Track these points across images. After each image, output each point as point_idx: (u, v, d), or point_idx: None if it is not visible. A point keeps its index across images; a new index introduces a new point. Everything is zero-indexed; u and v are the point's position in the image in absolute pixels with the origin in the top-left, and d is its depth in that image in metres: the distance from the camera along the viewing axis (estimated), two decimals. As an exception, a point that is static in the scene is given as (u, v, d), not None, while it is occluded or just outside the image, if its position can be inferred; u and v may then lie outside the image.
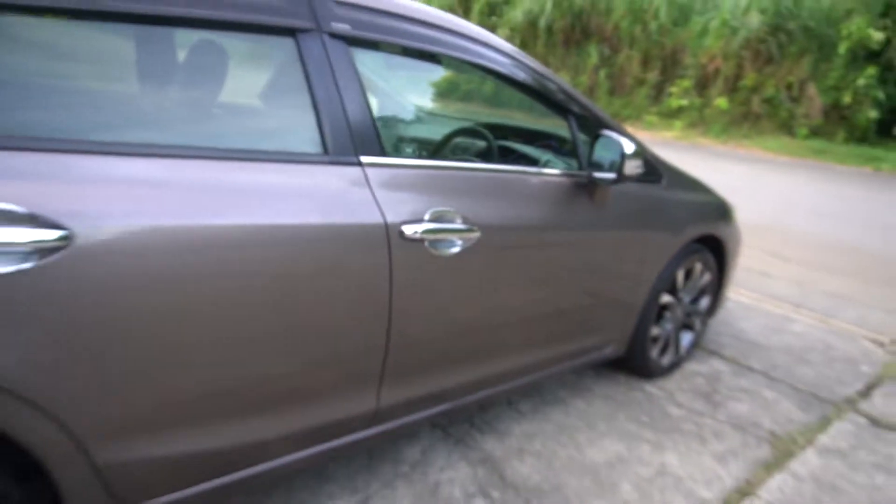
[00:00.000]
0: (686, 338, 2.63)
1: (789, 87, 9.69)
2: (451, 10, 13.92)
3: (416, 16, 1.58)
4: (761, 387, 2.56)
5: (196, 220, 1.14)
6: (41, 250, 0.98)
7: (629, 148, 1.77)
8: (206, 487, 1.32)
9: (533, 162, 2.10)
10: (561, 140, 2.24)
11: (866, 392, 2.60)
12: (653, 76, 11.04)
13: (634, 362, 2.43)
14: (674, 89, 10.72)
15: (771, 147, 9.50)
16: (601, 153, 1.84)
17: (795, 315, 3.41)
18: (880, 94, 9.10)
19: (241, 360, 1.26)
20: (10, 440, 1.03)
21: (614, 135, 1.81)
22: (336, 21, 1.39)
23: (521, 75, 1.82)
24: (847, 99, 9.24)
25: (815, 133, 9.59)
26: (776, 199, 6.71)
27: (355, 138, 1.39)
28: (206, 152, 1.20)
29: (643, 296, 2.25)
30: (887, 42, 9.23)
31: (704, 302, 2.65)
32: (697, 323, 2.67)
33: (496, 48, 1.77)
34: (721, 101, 10.19)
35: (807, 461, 2.06)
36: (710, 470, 1.97)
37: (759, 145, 9.67)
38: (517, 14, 12.11)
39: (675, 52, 10.89)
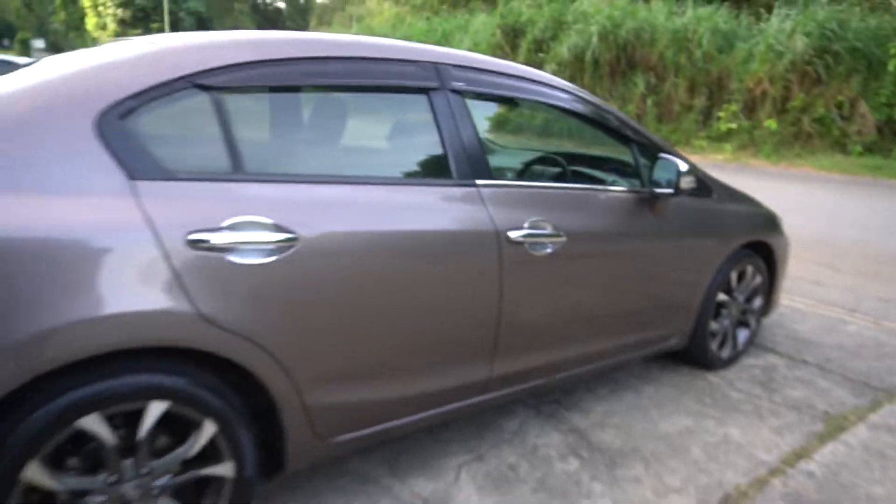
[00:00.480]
0: (742, 334, 2.95)
1: (839, 105, 9.79)
2: (499, 48, 14.61)
3: (511, 71, 2.06)
4: (815, 377, 2.84)
5: (374, 227, 1.61)
6: (280, 248, 1.46)
7: (683, 167, 2.18)
8: (372, 430, 1.76)
9: (600, 182, 2.52)
10: (621, 163, 2.65)
11: (917, 382, 2.85)
12: (699, 102, 11.30)
13: (696, 354, 2.77)
14: (721, 114, 10.95)
15: (824, 165, 9.58)
16: (660, 173, 2.24)
17: (848, 318, 3.65)
18: (935, 110, 9.14)
19: (402, 332, 1.71)
20: (257, 383, 1.49)
21: (671, 157, 2.22)
22: (455, 81, 1.87)
23: (590, 113, 2.27)
24: (898, 116, 9.30)
25: (869, 150, 9.63)
26: (828, 215, 6.85)
27: (471, 166, 1.85)
28: (377, 180, 1.68)
29: (700, 294, 2.61)
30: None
31: (757, 302, 2.97)
32: (752, 321, 2.99)
33: (571, 92, 2.23)
34: (771, 123, 10.36)
35: (857, 434, 2.35)
36: (768, 439, 2.29)
37: (811, 164, 9.76)
38: (563, 49, 12.64)
39: (720, 77, 11.15)
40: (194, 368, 1.41)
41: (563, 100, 2.21)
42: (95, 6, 43.56)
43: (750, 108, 10.77)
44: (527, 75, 2.13)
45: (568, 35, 12.81)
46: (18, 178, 1.23)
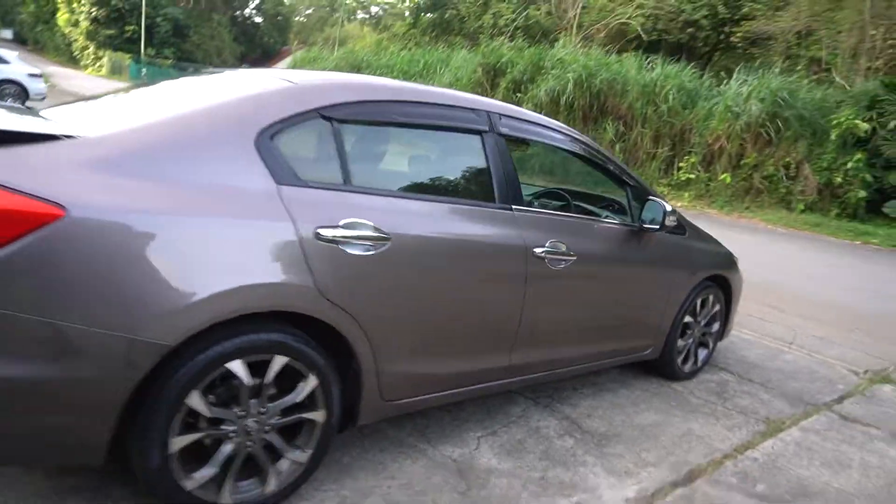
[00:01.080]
0: (702, 353, 3.50)
1: (787, 166, 10.78)
2: (479, 84, 15.34)
3: (541, 121, 2.58)
4: (759, 391, 3.40)
5: (441, 233, 2.08)
6: (376, 245, 1.90)
7: (669, 208, 2.72)
8: (422, 398, 2.20)
9: (596, 215, 3.04)
10: (611, 200, 3.18)
11: (840, 400, 3.44)
12: (663, 151, 12.18)
13: (664, 366, 3.29)
14: (682, 164, 11.84)
15: (771, 219, 10.49)
16: (648, 212, 2.78)
17: (787, 349, 4.26)
18: (868, 176, 10.17)
19: (453, 319, 2.17)
20: (349, 349, 1.92)
21: (658, 199, 2.76)
22: (501, 126, 2.37)
23: (597, 159, 2.81)
24: (838, 179, 10.30)
25: (810, 208, 10.60)
26: (774, 264, 7.61)
27: (509, 193, 2.34)
28: (443, 198, 2.16)
29: (672, 314, 3.15)
30: (874, 131, 10.38)
31: (715, 326, 3.54)
32: (710, 342, 3.54)
33: (585, 143, 2.76)
34: (725, 177, 11.28)
35: (791, 434, 2.90)
36: (722, 434, 2.81)
37: (759, 217, 10.67)
38: (541, 92, 13.44)
39: (683, 131, 12.08)
40: (305, 333, 1.83)
41: (579, 147, 2.74)
42: (69, 2, 42.93)
43: (708, 161, 11.69)
44: (552, 125, 2.65)
45: (545, 79, 13.62)
46: (201, 177, 1.66)
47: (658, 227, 2.73)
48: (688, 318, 3.29)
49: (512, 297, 2.33)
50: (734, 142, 11.18)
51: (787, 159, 10.77)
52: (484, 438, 2.49)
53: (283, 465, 1.87)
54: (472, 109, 2.32)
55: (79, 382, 1.48)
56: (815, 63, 16.82)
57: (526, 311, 2.39)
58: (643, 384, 3.30)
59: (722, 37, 22.22)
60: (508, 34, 21.54)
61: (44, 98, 14.50)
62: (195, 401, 1.64)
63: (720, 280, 3.44)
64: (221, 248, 1.63)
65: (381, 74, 18.51)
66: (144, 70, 37.47)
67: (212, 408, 1.69)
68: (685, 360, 3.38)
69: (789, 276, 6.89)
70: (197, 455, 1.71)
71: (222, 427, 1.72)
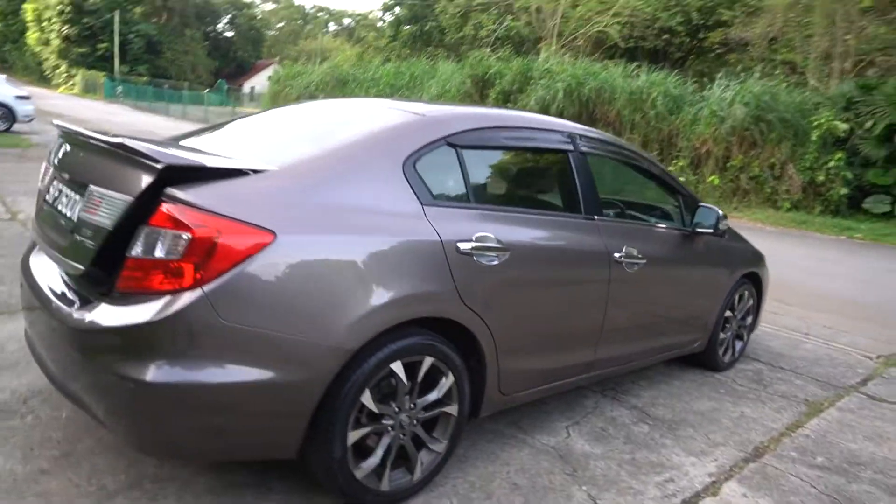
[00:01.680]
0: (738, 344, 3.82)
1: (772, 167, 11.29)
2: (468, 95, 15.69)
3: (611, 140, 2.88)
4: (791, 378, 3.73)
5: (546, 243, 2.35)
6: (500, 256, 2.16)
7: (721, 213, 3.04)
8: (528, 392, 2.46)
9: (648, 221, 3.34)
10: (659, 208, 3.49)
11: (864, 383, 3.78)
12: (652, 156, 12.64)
13: (708, 357, 3.59)
14: (671, 168, 12.29)
15: (759, 218, 10.98)
16: (701, 217, 3.09)
17: (804, 339, 4.61)
18: (848, 174, 10.72)
19: (556, 318, 2.44)
20: (477, 349, 2.17)
21: (711, 206, 3.08)
22: (582, 146, 2.66)
23: (657, 173, 3.11)
24: (821, 178, 10.84)
25: (795, 206, 11.12)
26: (771, 260, 8.02)
27: (591, 205, 2.63)
28: (544, 211, 2.45)
29: (717, 310, 3.46)
30: (851, 131, 10.95)
31: (749, 319, 3.86)
32: (745, 334, 3.87)
33: (648, 159, 3.06)
34: (713, 178, 11.76)
35: (831, 414, 3.22)
36: (772, 416, 3.12)
37: (748, 217, 11.14)
38: (531, 101, 13.82)
39: (670, 135, 12.55)
40: (442, 336, 2.08)
41: (642, 162, 3.05)
42: (39, 20, 42.39)
43: (696, 164, 12.16)
44: (619, 143, 2.96)
45: (535, 89, 14.01)
46: (365, 201, 1.91)
47: (712, 230, 3.04)
48: (728, 313, 3.61)
49: (598, 298, 2.61)
50: (720, 145, 11.65)
51: (772, 160, 11.28)
52: (571, 427, 2.76)
53: (425, 455, 2.11)
54: (559, 131, 2.61)
55: (288, 386, 1.72)
56: (787, 66, 17.54)
57: (608, 310, 2.67)
58: (690, 375, 3.59)
59: (696, 42, 22.97)
60: (489, 45, 22.00)
61: (31, 120, 14.43)
62: (367, 398, 1.88)
63: (753, 276, 3.77)
64: (388, 263, 1.88)
65: (368, 87, 18.78)
66: (120, 88, 37.16)
67: (378, 405, 1.93)
68: (725, 352, 3.69)
69: (786, 271, 7.28)
70: (357, 449, 1.94)
71: (383, 422, 1.96)
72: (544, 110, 13.66)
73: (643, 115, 12.74)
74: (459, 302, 2.05)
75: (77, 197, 1.87)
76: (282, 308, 1.68)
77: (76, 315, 1.71)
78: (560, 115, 13.42)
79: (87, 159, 1.84)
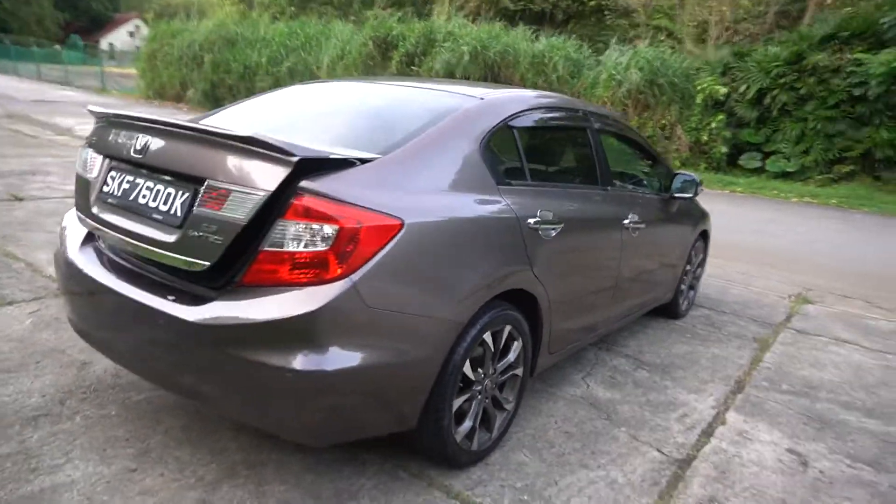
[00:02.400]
0: (691, 294, 4.33)
1: (663, 128, 12.29)
2: (370, 58, 15.41)
3: (614, 116, 3.14)
4: (735, 319, 4.31)
5: (582, 214, 2.59)
6: (555, 229, 2.37)
7: (699, 179, 3.43)
8: (567, 349, 2.72)
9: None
10: (632, 175, 3.84)
11: (788, 319, 4.44)
12: (554, 118, 13.24)
13: (673, 307, 4.05)
14: (574, 130, 12.97)
15: (653, 175, 12.02)
16: (678, 184, 3.47)
17: (729, 285, 5.27)
18: (727, 134, 11.95)
19: (590, 279, 2.70)
20: (537, 314, 2.37)
21: (689, 173, 3.46)
22: (595, 123, 2.90)
23: (644, 146, 3.43)
24: (705, 138, 11.98)
25: (684, 164, 12.23)
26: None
27: (605, 177, 2.89)
28: (577, 185, 2.67)
29: (682, 264, 3.91)
30: (728, 94, 12.15)
31: (699, 271, 4.38)
32: (696, 284, 4.39)
33: (634, 131, 3.36)
34: (612, 139, 12.61)
35: (777, 349, 3.80)
36: (736, 353, 3.63)
37: (643, 174, 12.15)
38: (436, 64, 13.88)
39: (573, 97, 13.20)
40: (514, 305, 2.27)
41: (630, 133, 3.34)
42: None
43: (595, 126, 12.94)
44: (614, 117, 3.23)
45: (439, 51, 14.06)
46: (459, 185, 2.02)
47: (692, 195, 3.43)
48: (687, 266, 4.08)
49: (614, 260, 2.90)
50: (618, 106, 12.46)
51: (664, 121, 12.26)
52: (586, 378, 3.07)
53: (499, 415, 2.31)
54: (579, 109, 2.84)
55: (419, 362, 1.83)
56: (663, 31, 18.86)
57: (620, 271, 2.97)
58: (657, 324, 4.05)
59: (578, 6, 23.93)
60: (381, 5, 21.56)
61: None
62: (467, 368, 2.04)
63: (703, 232, 4.26)
64: (485, 241, 2.03)
65: (260, 48, 17.81)
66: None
67: (473, 372, 2.09)
68: (683, 301, 4.18)
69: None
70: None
71: (474, 388, 2.13)
72: (450, 74, 13.81)
73: (546, 79, 13.25)
74: (531, 273, 2.23)
75: (174, 191, 1.82)
76: (412, 290, 1.79)
77: (199, 311, 1.70)
78: (466, 78, 13.63)
79: (191, 152, 1.78)
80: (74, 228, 2.27)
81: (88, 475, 1.97)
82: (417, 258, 1.80)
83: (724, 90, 11.96)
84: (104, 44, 46.79)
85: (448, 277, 1.89)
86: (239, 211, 1.64)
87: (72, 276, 2.12)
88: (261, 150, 1.65)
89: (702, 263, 4.40)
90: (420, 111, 2.25)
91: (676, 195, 3.48)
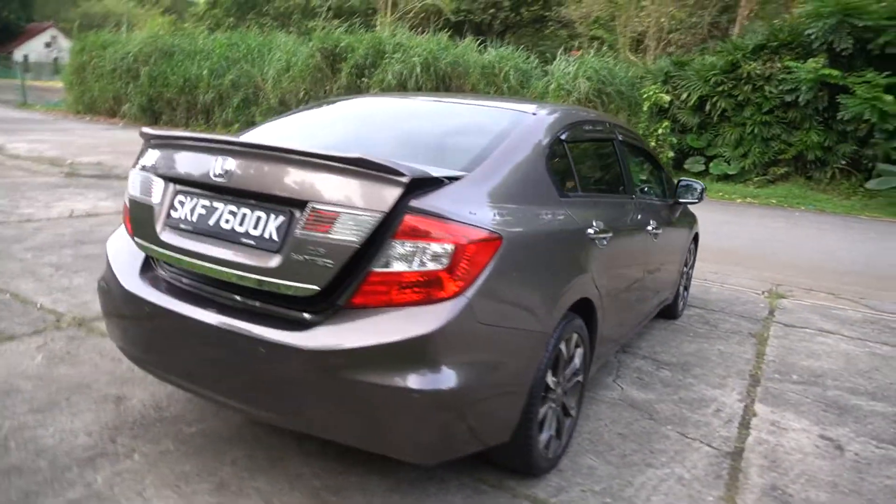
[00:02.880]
0: (685, 294, 4.54)
1: (613, 135, 12.77)
2: (318, 70, 15.24)
3: (625, 127, 3.27)
4: (726, 317, 4.54)
5: (623, 220, 2.70)
6: (606, 238, 2.45)
7: (702, 186, 3.61)
8: (606, 350, 2.81)
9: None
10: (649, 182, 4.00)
11: (772, 314, 4.72)
12: (507, 128, 13.49)
13: (672, 308, 4.23)
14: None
15: (605, 180, 12.44)
16: (683, 191, 3.64)
17: (707, 284, 5.53)
18: (673, 139, 12.53)
19: (628, 280, 2.79)
20: (594, 320, 2.44)
21: (693, 181, 3.63)
22: (620, 135, 3.01)
23: (651, 154, 3.59)
24: (652, 143, 12.50)
25: (633, 169, 12.75)
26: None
27: (629, 186, 3.01)
28: (614, 196, 2.77)
29: (682, 264, 4.10)
30: (671, 102, 12.75)
31: (691, 272, 4.59)
32: (689, 284, 4.60)
33: (644, 143, 3.51)
34: (564, 147, 12.97)
35: (773, 342, 4.03)
36: (740, 349, 3.83)
37: (596, 180, 12.56)
38: (388, 76, 13.88)
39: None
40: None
41: (640, 143, 3.49)
42: None
43: (547, 134, 13.26)
44: (628, 129, 3.36)
45: (390, 63, 14.08)
46: (532, 198, 2.07)
47: (697, 200, 3.61)
48: (685, 268, 4.27)
49: (641, 265, 3.02)
50: (569, 116, 12.84)
51: (613, 129, 12.72)
52: (617, 381, 3.17)
53: (567, 421, 2.36)
54: (606, 122, 2.94)
55: (518, 375, 1.86)
56: (599, 42, 19.60)
57: (645, 275, 3.10)
58: (659, 325, 4.21)
59: (517, 17, 24.52)
60: (322, 16, 21.36)
61: None
62: (549, 378, 2.08)
63: (696, 234, 4.48)
64: (563, 253, 2.09)
65: (200, 60, 17.27)
66: None
67: (553, 381, 2.13)
68: (680, 301, 4.37)
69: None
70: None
71: (550, 395, 2.18)
72: (402, 85, 13.85)
73: (497, 89, 13.50)
74: (592, 282, 2.30)
75: (265, 214, 1.77)
76: (511, 304, 1.82)
77: (309, 337, 1.66)
78: (418, 89, 13.71)
79: (285, 174, 1.74)
80: (127, 255, 2.17)
81: (178, 512, 1.89)
82: (514, 272, 1.83)
83: (667, 98, 12.54)
84: (18, 55, 44.11)
85: (537, 289, 1.93)
86: (350, 233, 1.63)
87: (134, 306, 2.03)
88: (369, 171, 1.64)
89: (692, 265, 4.61)
90: (482, 127, 2.29)
91: (681, 200, 3.65)
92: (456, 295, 1.65)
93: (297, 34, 18.01)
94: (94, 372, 2.81)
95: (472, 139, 2.21)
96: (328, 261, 1.65)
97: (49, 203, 6.56)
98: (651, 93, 12.52)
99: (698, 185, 3.64)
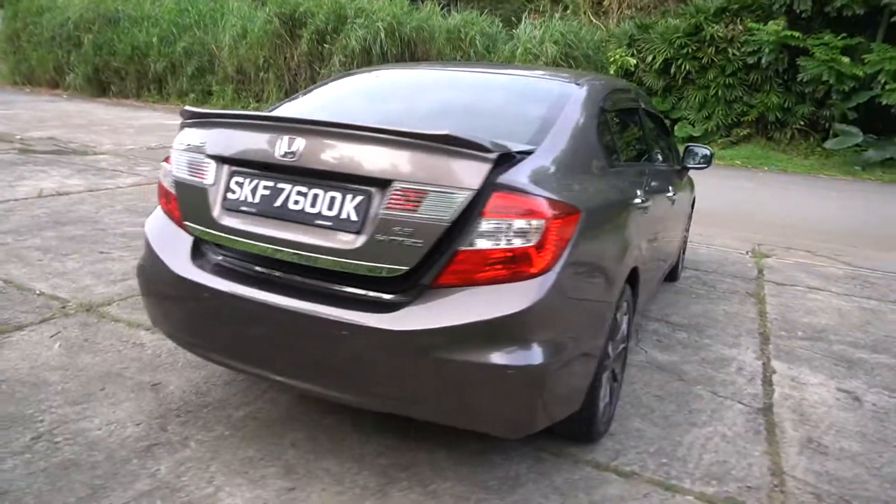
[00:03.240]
0: (683, 256, 4.66)
1: (581, 99, 12.83)
2: (277, 36, 14.69)
3: (645, 96, 3.29)
4: (720, 277, 4.69)
5: (656, 187, 2.73)
6: (647, 204, 2.48)
7: (710, 151, 3.68)
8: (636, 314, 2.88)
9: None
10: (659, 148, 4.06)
11: (761, 273, 4.90)
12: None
13: (673, 270, 4.34)
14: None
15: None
16: (690, 156, 3.71)
17: (695, 247, 5.69)
18: (639, 103, 12.70)
19: (654, 242, 2.84)
20: (636, 282, 2.48)
21: (701, 146, 3.70)
22: (641, 102, 3.03)
23: (662, 120, 3.62)
24: (619, 107, 12.65)
25: (600, 133, 12.88)
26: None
27: (653, 151, 3.05)
28: (645, 163, 2.80)
29: (685, 229, 4.20)
30: (636, 65, 12.87)
31: (687, 235, 4.72)
32: (685, 248, 4.72)
33: (656, 109, 3.54)
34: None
35: (771, 301, 4.20)
36: (743, 309, 3.98)
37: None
38: (351, 42, 13.50)
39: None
40: None
41: (654, 110, 3.52)
42: None
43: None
44: (645, 96, 3.38)
45: (352, 29, 13.68)
46: (591, 169, 2.08)
47: (706, 165, 3.68)
48: (685, 231, 4.38)
49: (664, 231, 3.09)
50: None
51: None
52: (639, 345, 3.26)
53: (615, 386, 2.43)
54: (630, 90, 2.96)
55: (593, 345, 1.89)
56: (559, 5, 19.50)
57: (664, 239, 3.17)
58: (662, 288, 4.32)
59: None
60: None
61: None
62: (609, 347, 2.12)
63: (694, 199, 4.59)
64: (621, 222, 2.11)
65: (148, 27, 16.40)
66: None
67: (610, 349, 2.18)
68: (680, 264, 4.50)
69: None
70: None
71: (607, 363, 2.22)
72: (367, 51, 13.51)
73: (464, 53, 13.32)
74: (639, 250, 2.34)
75: (341, 195, 1.72)
76: (589, 277, 1.84)
77: (399, 318, 1.64)
78: (383, 55, 13.41)
79: (364, 153, 1.68)
80: (170, 239, 2.08)
81: (250, 500, 1.86)
82: (590, 245, 1.84)
83: (633, 61, 12.64)
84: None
85: (607, 261, 1.96)
86: (440, 211, 1.60)
87: (187, 290, 1.95)
88: (456, 148, 1.61)
89: (688, 228, 4.73)
90: (532, 99, 2.27)
91: (689, 166, 3.72)
92: (545, 270, 1.65)
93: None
94: (119, 359, 2.71)
95: (526, 111, 2.19)
96: (417, 240, 1.62)
97: (12, 183, 6.19)
98: (617, 56, 12.60)
99: (706, 150, 3.71)
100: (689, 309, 3.91)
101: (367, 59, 13.52)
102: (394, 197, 1.64)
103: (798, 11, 11.32)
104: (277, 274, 1.88)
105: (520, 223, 1.63)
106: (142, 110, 14.44)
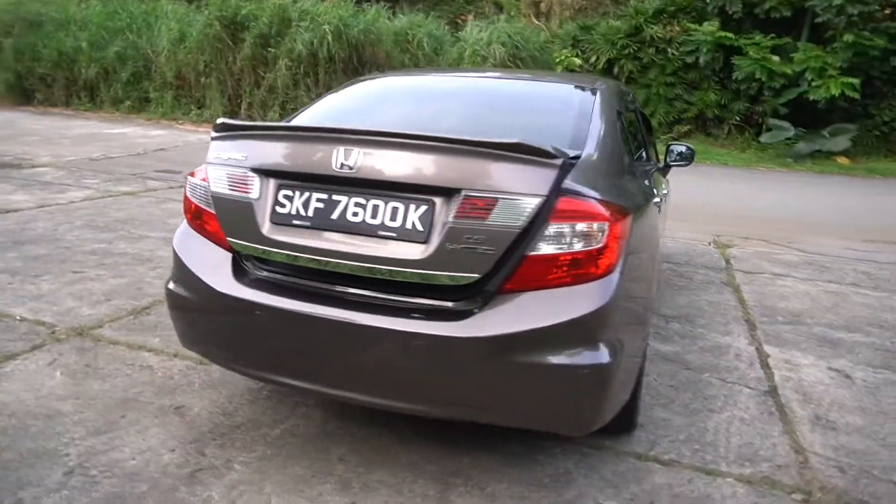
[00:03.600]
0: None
1: (529, 100, 13.09)
2: (219, 41, 14.25)
3: (632, 97, 3.41)
4: (696, 268, 4.92)
5: (659, 189, 2.84)
6: (661, 204, 2.59)
7: (693, 149, 3.85)
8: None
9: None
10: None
11: (729, 263, 5.16)
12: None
13: (654, 264, 4.53)
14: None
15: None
16: (672, 154, 3.87)
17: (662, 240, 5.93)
18: (585, 102, 13.07)
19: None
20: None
21: (681, 144, 3.86)
22: (634, 103, 3.15)
23: (648, 122, 3.77)
24: (566, 106, 12.98)
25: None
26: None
27: (649, 151, 3.17)
28: (645, 161, 2.90)
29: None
30: (582, 66, 13.23)
31: (662, 230, 4.92)
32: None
33: (645, 115, 3.68)
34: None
35: (744, 288, 4.43)
36: (721, 297, 4.18)
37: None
38: (297, 45, 13.26)
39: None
40: None
41: (644, 113, 3.66)
42: None
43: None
44: (634, 99, 3.50)
45: (297, 32, 13.44)
46: (623, 170, 2.16)
47: (688, 162, 3.85)
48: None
49: (662, 228, 3.21)
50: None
51: (529, 94, 13.02)
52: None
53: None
54: (627, 92, 3.06)
55: (642, 341, 1.96)
56: (495, 7, 19.80)
57: (663, 235, 3.30)
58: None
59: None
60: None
61: None
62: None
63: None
64: (651, 221, 2.21)
65: (75, 31, 15.57)
66: None
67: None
68: (658, 257, 4.69)
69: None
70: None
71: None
72: (314, 54, 13.31)
73: (411, 56, 13.33)
74: (660, 246, 2.45)
75: (403, 205, 1.72)
76: (639, 275, 1.91)
77: (471, 326, 1.66)
78: (331, 58, 13.25)
79: (428, 162, 1.68)
80: (205, 256, 2.02)
81: (314, 517, 1.84)
82: (636, 244, 1.92)
83: (578, 61, 13.00)
84: None
85: (649, 260, 2.04)
86: (512, 218, 1.63)
87: (233, 308, 1.90)
88: (523, 155, 1.64)
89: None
90: (558, 104, 2.33)
91: (672, 164, 3.88)
92: (608, 271, 1.71)
93: (186, 1, 16.63)
94: (131, 384, 2.60)
95: (558, 117, 2.24)
96: (488, 248, 1.64)
97: (-49, 201, 5.79)
98: (563, 57, 12.92)
99: (688, 148, 3.88)
100: (675, 300, 4.08)
101: (313, 62, 13.34)
102: (463, 205, 1.66)
103: (730, 13, 11.95)
104: (334, 287, 1.86)
105: (584, 226, 1.68)
106: (74, 119, 13.71)
